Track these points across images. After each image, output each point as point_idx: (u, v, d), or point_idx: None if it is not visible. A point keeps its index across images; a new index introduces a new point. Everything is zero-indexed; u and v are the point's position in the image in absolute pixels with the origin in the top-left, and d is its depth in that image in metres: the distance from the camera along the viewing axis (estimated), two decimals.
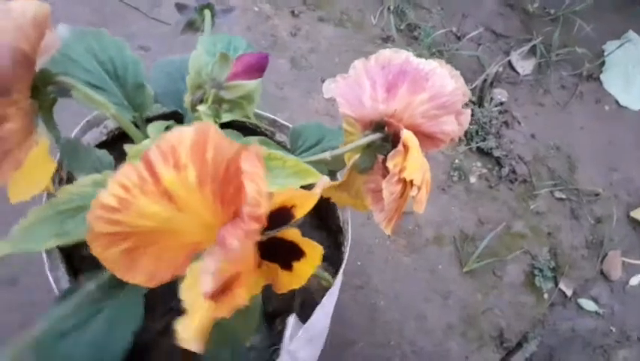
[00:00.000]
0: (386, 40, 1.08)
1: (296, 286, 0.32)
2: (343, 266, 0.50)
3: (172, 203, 0.25)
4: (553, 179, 1.02)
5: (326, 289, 0.49)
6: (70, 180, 0.51)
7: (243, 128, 0.56)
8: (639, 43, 1.24)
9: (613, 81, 1.18)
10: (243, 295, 0.26)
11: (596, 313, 0.92)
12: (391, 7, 1.12)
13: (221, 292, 0.24)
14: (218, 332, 0.34)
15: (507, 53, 1.16)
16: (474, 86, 1.06)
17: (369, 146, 0.39)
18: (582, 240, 0.97)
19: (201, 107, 0.35)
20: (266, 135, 0.58)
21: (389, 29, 1.09)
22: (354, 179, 0.42)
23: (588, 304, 0.93)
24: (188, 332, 0.25)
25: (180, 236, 0.26)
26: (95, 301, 0.36)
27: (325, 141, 0.49)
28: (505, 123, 1.06)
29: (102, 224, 0.25)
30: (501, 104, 1.07)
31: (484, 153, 1.00)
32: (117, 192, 0.24)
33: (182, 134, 0.24)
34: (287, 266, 0.32)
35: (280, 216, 0.30)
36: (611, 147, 1.09)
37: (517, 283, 0.90)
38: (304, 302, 0.53)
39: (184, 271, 0.27)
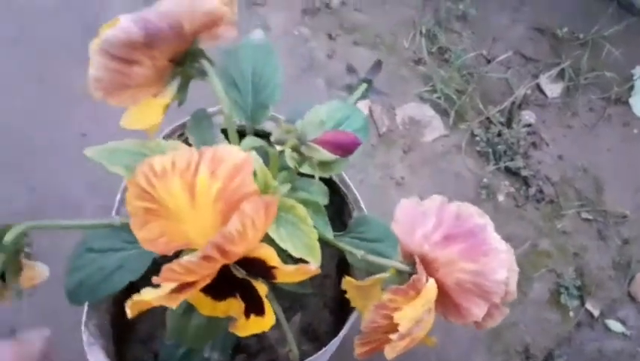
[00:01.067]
0: (418, 63, 1.12)
1: (244, 334, 0.33)
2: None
3: (192, 198, 0.28)
4: (580, 200, 1.04)
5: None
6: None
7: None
8: None
9: None
10: (193, 299, 0.30)
11: (623, 334, 0.93)
12: (423, 31, 1.16)
13: (176, 288, 0.28)
14: (183, 324, 0.40)
15: (536, 76, 1.18)
16: (503, 107, 1.09)
17: (399, 272, 0.38)
18: (609, 261, 0.99)
19: (288, 150, 0.38)
20: (340, 194, 0.62)
21: (421, 52, 1.14)
22: (373, 290, 0.42)
23: (615, 326, 0.94)
24: (139, 298, 0.28)
25: (183, 226, 0.29)
26: (125, 239, 0.44)
27: (381, 244, 0.48)
28: (534, 144, 1.08)
29: (142, 179, 0.29)
30: (529, 125, 1.10)
31: (512, 172, 1.03)
32: (165, 164, 0.28)
33: (232, 155, 0.28)
34: (247, 313, 0.32)
35: (262, 266, 0.30)
36: (638, 169, 1.11)
37: (543, 301, 0.92)
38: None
39: (170, 253, 0.30)
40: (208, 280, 0.29)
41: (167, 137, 0.62)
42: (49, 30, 1.05)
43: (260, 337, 0.57)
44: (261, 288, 0.31)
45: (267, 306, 0.31)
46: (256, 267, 0.30)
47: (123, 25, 0.34)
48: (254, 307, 0.32)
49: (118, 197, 0.60)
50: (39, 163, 0.91)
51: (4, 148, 0.91)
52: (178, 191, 0.28)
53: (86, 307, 0.53)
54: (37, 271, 0.38)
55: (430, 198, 0.38)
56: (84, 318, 0.52)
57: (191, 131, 0.51)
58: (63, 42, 1.03)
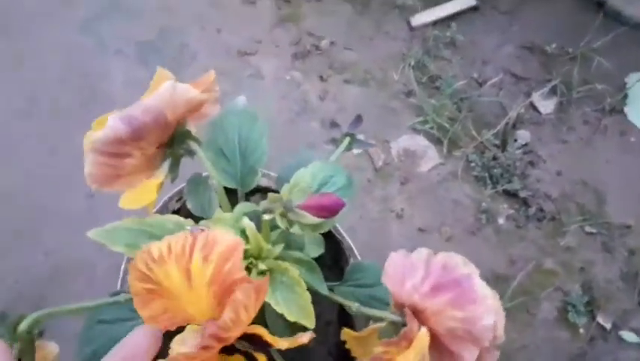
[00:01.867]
0: (409, 95, 1.15)
1: None
2: None
3: (188, 281, 0.31)
4: (582, 214, 1.05)
5: None
6: (175, 212, 0.63)
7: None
8: None
9: (637, 113, 1.21)
10: None
11: (638, 344, 0.93)
12: (412, 63, 1.19)
13: None
14: None
15: (528, 95, 1.20)
16: (497, 130, 1.11)
17: (393, 323, 0.40)
18: (617, 272, 0.99)
19: (277, 217, 0.41)
20: (335, 240, 0.65)
21: (411, 84, 1.17)
22: (371, 339, 0.43)
23: (629, 336, 0.94)
24: None
25: (183, 305, 0.32)
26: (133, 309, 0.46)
27: (380, 288, 0.50)
28: (531, 163, 1.10)
29: (141, 264, 0.31)
30: (525, 145, 1.12)
31: (510, 194, 1.05)
32: (162, 250, 0.31)
33: (223, 238, 0.31)
34: None
35: (259, 339, 0.32)
36: (639, 177, 1.11)
37: (551, 320, 0.92)
38: None
39: (173, 328, 0.32)
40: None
41: (166, 203, 0.65)
42: (55, 98, 1.10)
43: None
44: (261, 358, 0.33)
45: None
46: (255, 339, 0.32)
47: (110, 124, 0.37)
48: None
49: (122, 267, 0.64)
50: (50, 228, 0.95)
51: (18, 216, 0.96)
52: (175, 275, 0.31)
53: None
54: (48, 351, 0.41)
55: (416, 251, 0.39)
56: None
57: (189, 196, 0.54)
58: (68, 108, 1.09)
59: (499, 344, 0.40)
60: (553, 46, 1.28)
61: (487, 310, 0.35)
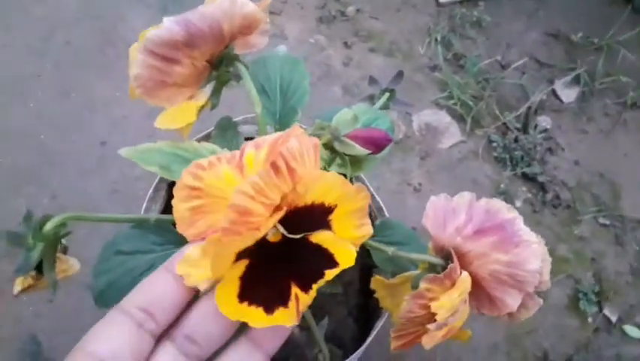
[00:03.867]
0: (433, 69, 1.13)
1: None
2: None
3: (241, 173, 0.28)
4: (597, 205, 1.04)
5: None
6: None
7: None
8: None
9: None
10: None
11: None
12: (438, 39, 1.17)
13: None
14: None
15: (551, 82, 1.19)
16: (519, 113, 1.10)
17: (430, 268, 0.39)
18: (627, 266, 0.99)
19: (321, 147, 0.39)
20: None
21: (436, 59, 1.14)
22: (403, 288, 0.42)
23: (633, 331, 0.94)
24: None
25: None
26: (155, 241, 0.44)
27: (406, 247, 0.49)
28: (550, 150, 1.09)
29: (189, 177, 0.28)
30: (545, 130, 1.10)
31: (528, 178, 1.03)
32: (211, 160, 0.29)
33: (272, 135, 0.29)
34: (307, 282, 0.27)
35: (310, 215, 0.27)
36: None
37: (562, 306, 0.92)
38: None
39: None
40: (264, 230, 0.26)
41: None
42: (70, 41, 1.06)
43: (285, 341, 0.58)
44: (303, 297, 0.28)
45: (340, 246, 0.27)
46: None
47: (166, 25, 0.36)
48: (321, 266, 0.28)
49: (144, 207, 0.61)
50: (60, 171, 0.92)
51: (26, 157, 0.93)
52: (227, 172, 0.28)
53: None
54: (69, 264, 0.39)
55: (459, 195, 0.38)
56: None
57: (216, 140, 0.52)
58: (84, 52, 1.05)
59: (543, 292, 0.38)
60: (579, 35, 1.26)
61: (533, 254, 0.34)
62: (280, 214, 0.26)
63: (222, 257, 0.25)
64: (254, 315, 0.26)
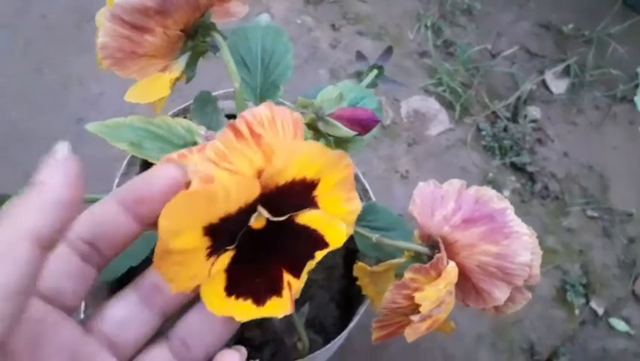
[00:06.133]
0: (423, 56, 1.11)
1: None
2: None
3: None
4: (585, 197, 1.02)
5: (299, 354, 0.48)
6: None
7: None
8: None
9: None
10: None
11: (627, 333, 0.91)
12: (428, 24, 1.14)
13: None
14: None
15: (541, 72, 1.17)
16: (508, 102, 1.08)
17: (415, 257, 0.37)
18: (614, 259, 0.97)
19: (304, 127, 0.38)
20: None
21: (426, 45, 1.12)
22: (386, 276, 0.40)
23: (619, 324, 0.92)
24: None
25: None
26: None
27: (391, 233, 0.47)
28: (539, 141, 1.07)
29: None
30: (535, 121, 1.09)
31: (517, 167, 1.01)
32: (181, 150, 0.25)
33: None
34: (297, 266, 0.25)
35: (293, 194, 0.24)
36: None
37: (549, 298, 0.90)
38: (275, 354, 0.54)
39: None
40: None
41: None
42: (45, 15, 1.02)
43: (264, 329, 0.55)
44: (294, 282, 0.26)
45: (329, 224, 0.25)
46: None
47: None
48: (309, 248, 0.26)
49: (116, 182, 0.58)
50: (35, 149, 0.88)
51: None
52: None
53: None
54: None
55: (448, 182, 0.36)
56: (82, 307, 0.50)
57: (195, 115, 0.49)
58: (59, 27, 1.01)
59: (531, 286, 0.36)
60: (570, 26, 1.25)
61: (524, 245, 0.32)
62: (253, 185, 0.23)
63: (189, 225, 0.22)
64: (243, 309, 0.24)
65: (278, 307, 0.24)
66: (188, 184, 0.22)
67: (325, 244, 0.25)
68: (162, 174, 0.22)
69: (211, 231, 0.22)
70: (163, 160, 0.25)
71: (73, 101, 0.93)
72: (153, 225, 0.22)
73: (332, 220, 0.25)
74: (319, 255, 0.24)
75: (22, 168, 0.86)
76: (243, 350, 0.26)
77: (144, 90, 0.38)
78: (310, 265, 0.24)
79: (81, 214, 0.23)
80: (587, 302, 0.92)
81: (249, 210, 0.23)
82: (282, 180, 0.23)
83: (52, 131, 0.90)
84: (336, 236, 0.24)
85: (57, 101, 0.93)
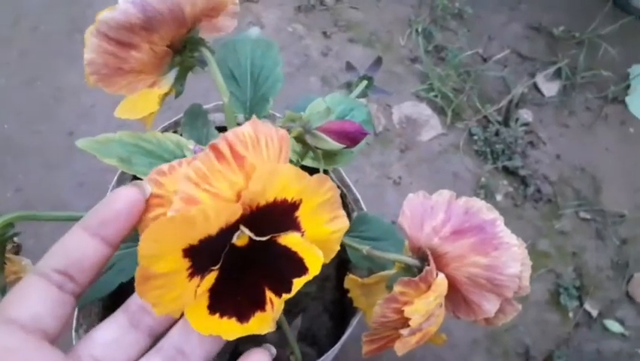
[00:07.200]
0: (414, 61, 1.11)
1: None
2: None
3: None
4: (578, 199, 1.03)
5: None
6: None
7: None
8: None
9: (638, 104, 1.19)
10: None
11: (622, 335, 0.92)
12: (419, 30, 1.15)
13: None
14: None
15: (532, 75, 1.17)
16: (500, 106, 1.08)
17: (406, 268, 0.37)
18: (607, 261, 0.98)
19: (291, 141, 0.37)
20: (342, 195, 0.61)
21: (417, 50, 1.12)
22: (378, 288, 0.40)
23: (614, 326, 0.93)
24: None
25: None
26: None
27: (383, 243, 0.48)
28: (531, 143, 1.07)
29: (150, 184, 0.26)
30: (527, 124, 1.09)
31: (509, 171, 1.02)
32: (172, 162, 0.26)
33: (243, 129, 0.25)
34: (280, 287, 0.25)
35: (275, 215, 0.25)
36: (636, 168, 1.10)
37: (542, 302, 0.90)
38: None
39: None
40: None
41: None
42: (37, 27, 1.02)
43: (258, 341, 0.55)
44: (276, 301, 0.26)
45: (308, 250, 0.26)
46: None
47: (122, 7, 0.33)
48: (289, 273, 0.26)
49: (112, 183, 0.58)
50: (26, 163, 0.88)
51: None
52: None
53: (75, 313, 0.50)
54: (21, 266, 0.36)
55: (437, 193, 0.36)
56: (74, 324, 0.50)
57: (186, 129, 0.49)
58: (52, 39, 1.01)
59: (522, 297, 0.36)
60: (561, 29, 1.25)
61: (513, 257, 0.32)
62: (234, 210, 0.23)
63: (168, 249, 0.22)
64: (226, 327, 0.24)
65: (262, 324, 0.25)
66: (147, 201, 0.23)
67: (305, 269, 0.25)
68: (121, 196, 0.23)
69: (191, 252, 0.23)
70: (152, 172, 0.25)
71: (64, 113, 0.93)
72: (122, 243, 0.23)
73: (311, 246, 0.25)
74: (297, 283, 0.24)
75: (14, 182, 0.86)
76: (272, 349, 0.27)
77: (133, 106, 0.38)
78: (292, 293, 0.25)
79: (52, 247, 0.24)
80: (581, 305, 0.92)
81: (231, 229, 0.24)
82: (263, 200, 0.24)
83: (44, 144, 0.90)
84: (314, 263, 0.25)
85: (49, 113, 0.93)
